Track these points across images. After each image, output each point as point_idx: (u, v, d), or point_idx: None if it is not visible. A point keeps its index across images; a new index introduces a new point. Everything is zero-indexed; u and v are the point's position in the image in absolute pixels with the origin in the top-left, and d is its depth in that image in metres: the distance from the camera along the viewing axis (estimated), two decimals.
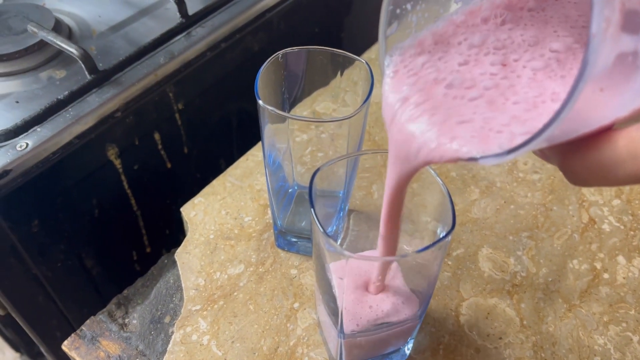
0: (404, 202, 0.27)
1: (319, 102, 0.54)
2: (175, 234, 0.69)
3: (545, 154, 0.21)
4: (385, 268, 0.31)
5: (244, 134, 0.71)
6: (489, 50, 0.22)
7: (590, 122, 0.17)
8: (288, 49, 0.37)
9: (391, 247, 0.29)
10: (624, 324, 0.40)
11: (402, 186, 0.25)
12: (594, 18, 0.14)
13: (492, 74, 0.21)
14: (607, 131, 0.18)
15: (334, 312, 0.32)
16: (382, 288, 0.32)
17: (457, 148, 0.20)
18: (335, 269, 0.31)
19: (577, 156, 0.19)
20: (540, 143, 0.17)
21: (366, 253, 0.36)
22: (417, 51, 0.23)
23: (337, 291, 0.31)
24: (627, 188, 0.49)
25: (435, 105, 0.21)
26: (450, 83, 0.22)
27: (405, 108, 0.22)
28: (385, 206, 0.27)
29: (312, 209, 0.28)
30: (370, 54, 0.64)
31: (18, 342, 0.77)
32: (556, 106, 0.19)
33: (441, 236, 0.27)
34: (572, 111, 0.15)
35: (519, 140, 0.18)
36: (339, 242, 0.41)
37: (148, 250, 0.66)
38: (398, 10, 0.22)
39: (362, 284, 0.32)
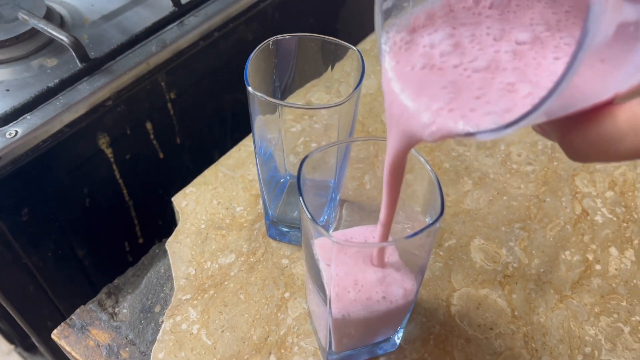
0: (402, 183, 0.27)
1: (313, 93, 0.54)
2: (167, 224, 0.68)
3: (544, 129, 0.21)
4: (382, 253, 0.31)
5: (237, 124, 0.71)
6: (435, 58, 0.22)
7: (590, 95, 0.17)
8: (279, 36, 0.36)
9: (387, 233, 0.29)
10: (615, 315, 0.40)
11: (400, 162, 0.25)
12: None
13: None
14: (607, 106, 0.18)
15: (324, 300, 0.32)
16: (383, 265, 0.32)
17: (453, 125, 0.20)
18: (323, 255, 0.31)
19: (577, 131, 0.19)
20: (539, 117, 0.16)
21: (350, 230, 0.36)
22: (408, 36, 0.23)
23: (325, 278, 0.31)
24: (620, 180, 0.49)
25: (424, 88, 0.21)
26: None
27: (403, 87, 0.22)
28: (385, 186, 0.27)
29: (300, 196, 0.28)
30: (365, 44, 0.63)
31: (12, 334, 0.77)
32: (514, 95, 0.19)
33: (429, 223, 0.27)
34: (572, 84, 0.15)
35: (510, 117, 0.17)
36: (330, 232, 0.41)
37: (140, 241, 0.66)
38: None
39: (350, 270, 0.32)
